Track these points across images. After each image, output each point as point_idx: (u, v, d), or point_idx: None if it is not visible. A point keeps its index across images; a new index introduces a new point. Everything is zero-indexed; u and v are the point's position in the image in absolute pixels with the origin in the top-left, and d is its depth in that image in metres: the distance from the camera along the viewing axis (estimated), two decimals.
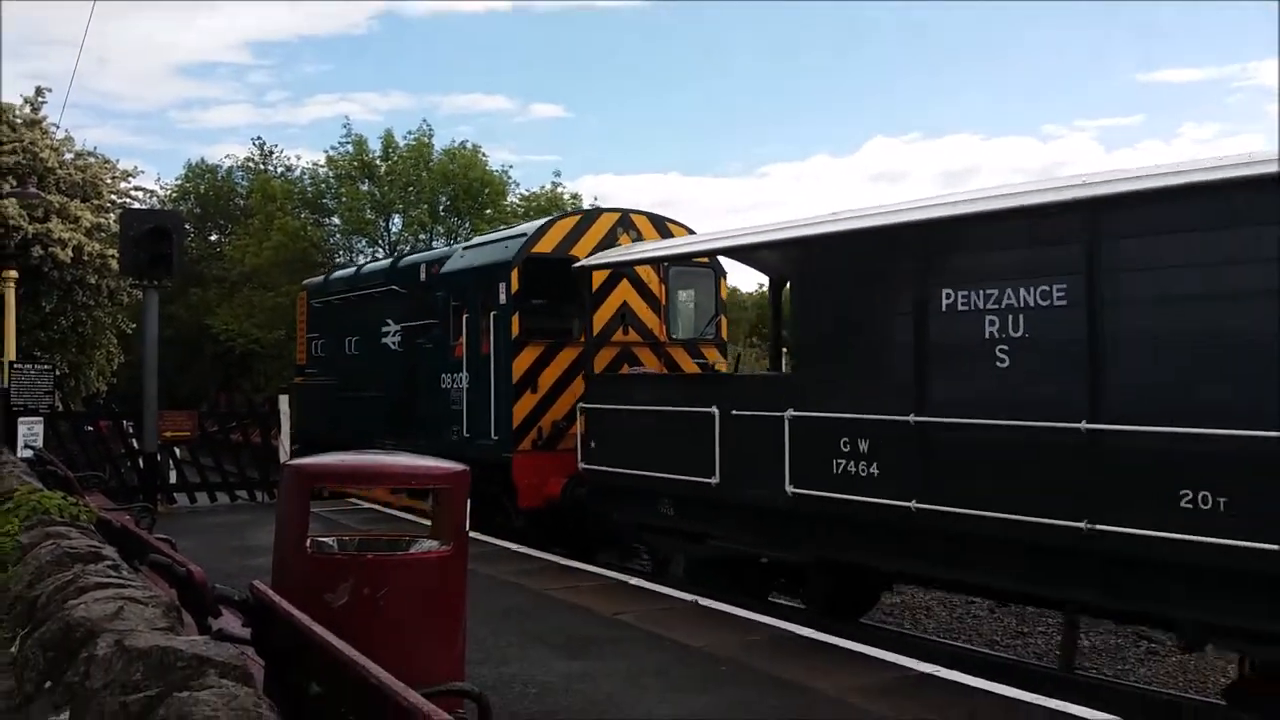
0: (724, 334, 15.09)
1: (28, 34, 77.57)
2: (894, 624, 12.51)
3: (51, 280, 22.55)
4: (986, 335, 7.88)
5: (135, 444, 16.15)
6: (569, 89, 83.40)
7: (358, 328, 18.47)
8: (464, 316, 14.47)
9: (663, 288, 14.27)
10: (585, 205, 37.35)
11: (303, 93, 77.27)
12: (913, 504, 8.29)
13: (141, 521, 7.22)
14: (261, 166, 43.47)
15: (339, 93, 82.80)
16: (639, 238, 14.16)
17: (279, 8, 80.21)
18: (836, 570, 9.70)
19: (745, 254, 11.89)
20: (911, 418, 8.32)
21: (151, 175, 72.19)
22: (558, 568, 11.01)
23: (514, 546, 12.23)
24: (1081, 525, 7.15)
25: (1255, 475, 6.33)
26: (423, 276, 16.30)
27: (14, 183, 20.82)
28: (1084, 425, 7.18)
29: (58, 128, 25.35)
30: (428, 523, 5.54)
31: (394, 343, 17.03)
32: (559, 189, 37.11)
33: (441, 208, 35.67)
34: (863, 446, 8.79)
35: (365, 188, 36.67)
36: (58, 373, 18.76)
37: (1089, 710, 6.18)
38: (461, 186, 35.22)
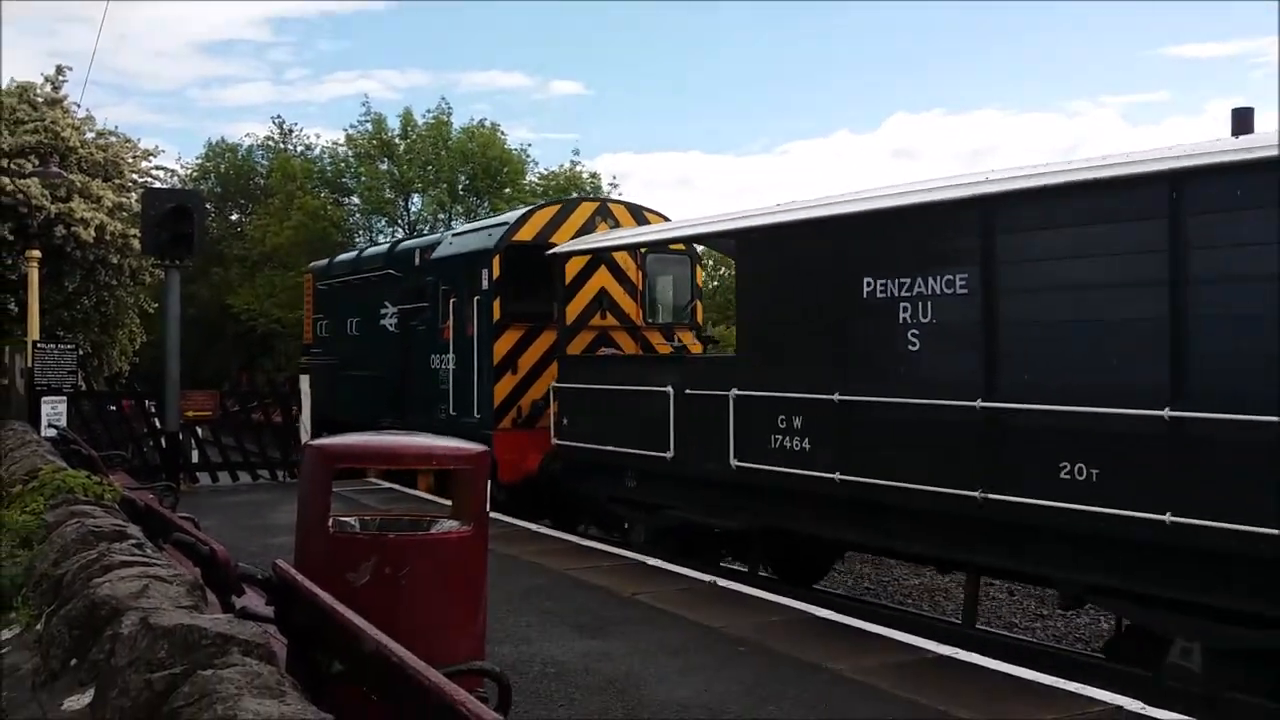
0: (699, 318, 15.78)
1: (48, 11, 77.86)
2: (913, 606, 12.55)
3: (74, 260, 22.64)
4: (900, 320, 8.59)
5: (158, 423, 16.25)
6: (588, 66, 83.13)
7: (358, 310, 19.24)
8: (451, 301, 15.24)
9: (640, 274, 14.88)
10: (604, 184, 37.38)
11: (322, 70, 77.34)
12: (837, 475, 9.03)
13: (165, 500, 7.30)
14: (281, 145, 43.50)
15: (358, 70, 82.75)
16: (616, 225, 14.82)
17: None
18: (778, 537, 10.53)
19: (702, 241, 13.02)
20: (836, 396, 9.08)
21: (172, 154, 72.72)
22: (576, 548, 11.06)
23: (533, 527, 12.33)
24: (977, 494, 7.89)
25: (1122, 449, 7.06)
26: (417, 261, 17.00)
27: (36, 162, 20.90)
28: (979, 404, 7.92)
29: (78, 106, 25.43)
30: (448, 502, 5.57)
31: (391, 325, 17.74)
32: (578, 167, 37.07)
33: (460, 187, 35.65)
34: (796, 423, 9.56)
35: (384, 167, 36.71)
36: (81, 352, 18.89)
37: (1108, 693, 6.18)
38: (480, 165, 35.18)
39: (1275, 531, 6.23)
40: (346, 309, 19.94)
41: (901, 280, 8.59)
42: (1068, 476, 7.33)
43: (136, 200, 20.90)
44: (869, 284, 8.87)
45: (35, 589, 4.36)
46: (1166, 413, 6.77)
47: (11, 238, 21.27)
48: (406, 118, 37.03)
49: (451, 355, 15.18)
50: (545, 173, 37.12)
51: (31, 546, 5.11)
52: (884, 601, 12.51)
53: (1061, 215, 7.60)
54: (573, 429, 12.66)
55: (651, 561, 10.22)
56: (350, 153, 38.18)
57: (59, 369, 15.60)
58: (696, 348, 15.12)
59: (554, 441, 12.92)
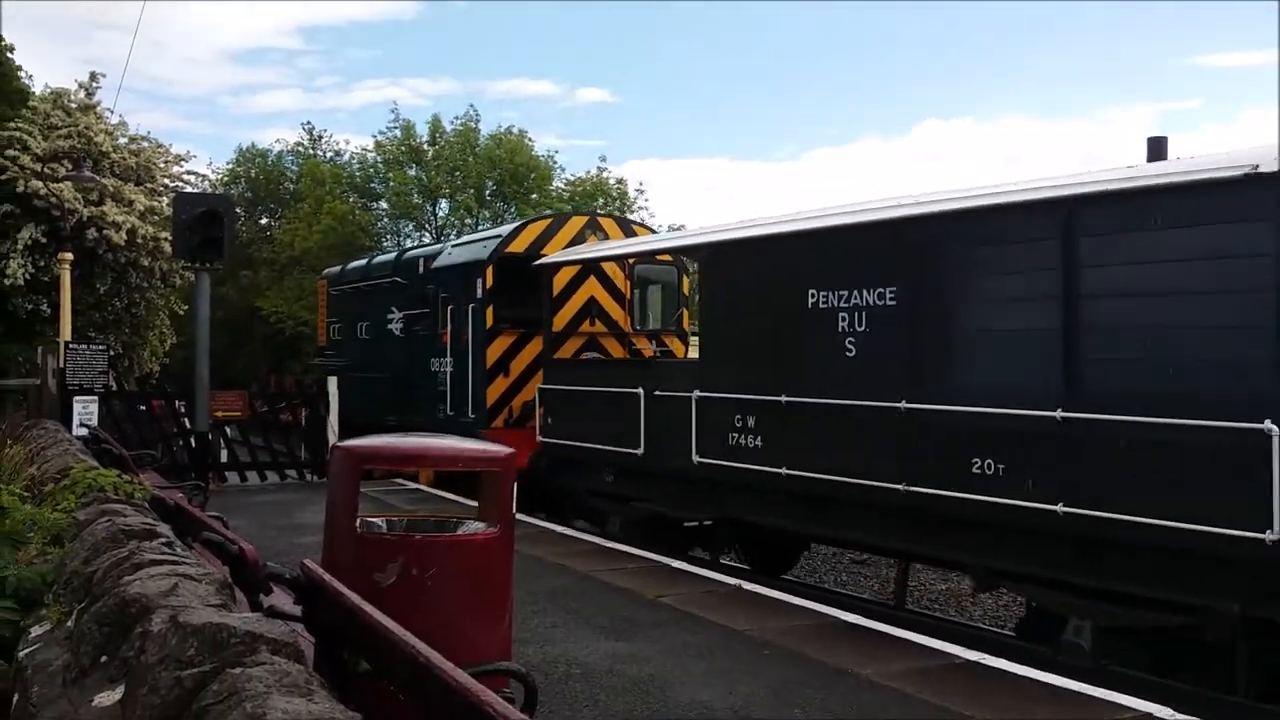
0: (685, 325, 16.35)
1: (83, 18, 78.71)
2: (939, 610, 12.51)
3: (106, 262, 22.87)
4: (839, 329, 9.39)
5: (187, 423, 16.39)
6: (615, 73, 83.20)
7: (368, 314, 20.16)
8: (449, 308, 16.13)
9: (628, 283, 15.64)
10: (630, 190, 37.45)
11: (351, 78, 77.87)
12: (784, 470, 9.78)
13: (194, 499, 7.34)
14: (311, 151, 43.79)
15: (387, 78, 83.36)
16: (606, 238, 15.68)
17: None
18: (741, 528, 11.30)
19: (670, 254, 14.25)
20: (783, 398, 9.83)
21: (203, 159, 73.15)
22: (601, 549, 11.07)
23: (559, 529, 12.40)
24: (900, 487, 8.57)
25: (1022, 446, 7.77)
26: (420, 270, 17.85)
27: (69, 166, 21.13)
28: (903, 405, 8.63)
29: (111, 112, 25.69)
30: (474, 504, 5.58)
31: (397, 329, 18.61)
32: (604, 174, 37.13)
33: (488, 192, 35.78)
34: (750, 422, 10.35)
35: (412, 172, 36.88)
36: (112, 353, 19.07)
37: (1136, 700, 6.12)
38: (507, 171, 35.30)
39: (1150, 521, 6.90)
40: (357, 314, 20.85)
41: (840, 292, 9.41)
42: (978, 471, 8.03)
43: (167, 204, 21.11)
44: (813, 295, 9.67)
45: (66, 586, 4.40)
46: (1059, 413, 7.48)
47: (45, 240, 21.52)
48: (435, 124, 37.26)
49: (449, 359, 16.07)
50: (572, 179, 37.25)
51: (63, 544, 5.15)
52: (911, 608, 12.45)
53: (975, 235, 8.47)
54: (556, 428, 13.46)
55: (676, 564, 10.22)
56: (379, 158, 38.39)
57: (90, 369, 15.76)
58: (681, 352, 15.75)
59: (539, 439, 13.57)
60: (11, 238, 21.32)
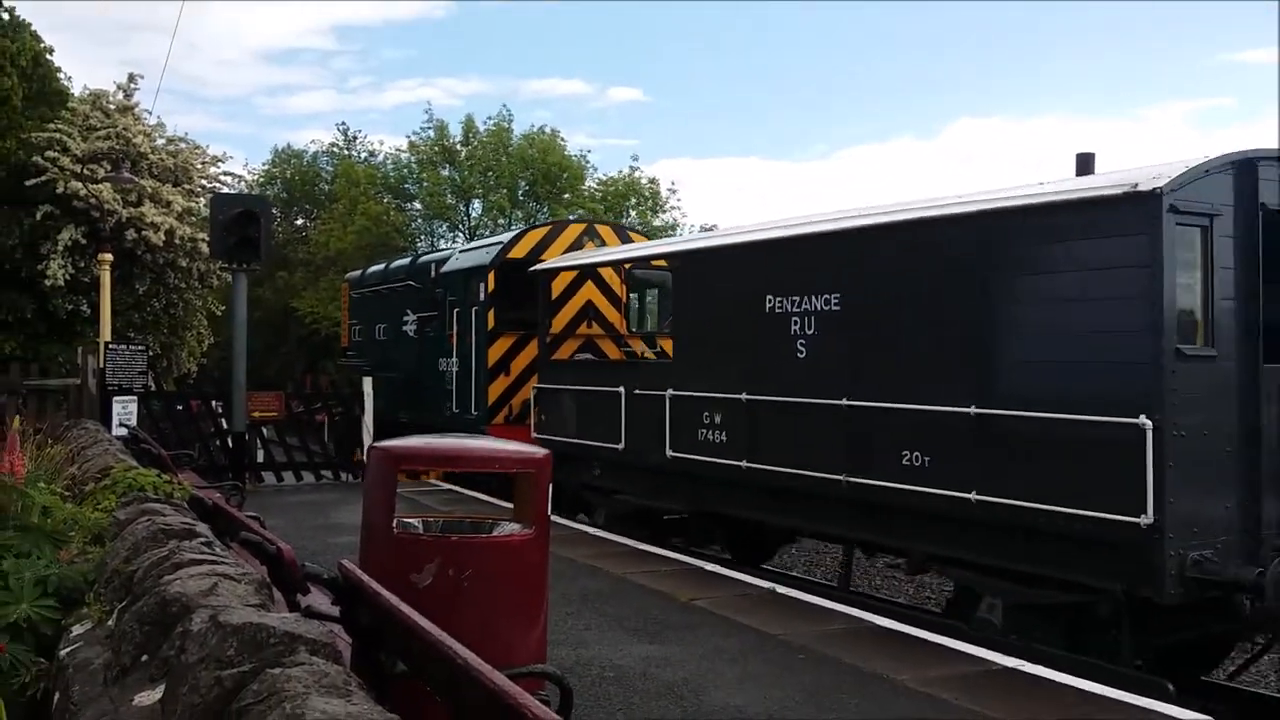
0: None
1: (117, 19, 79.66)
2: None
3: (144, 263, 23.10)
4: (792, 332, 10.20)
5: (224, 423, 16.53)
6: (647, 72, 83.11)
7: (385, 316, 21.01)
8: (455, 310, 16.89)
9: (624, 288, 16.51)
10: (663, 189, 37.46)
11: (385, 78, 78.16)
12: (744, 463, 10.65)
13: (231, 499, 7.40)
14: (345, 152, 44.08)
15: (420, 78, 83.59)
16: (603, 244, 16.41)
17: None
18: (716, 519, 11.95)
19: (648, 261, 14.72)
20: (744, 395, 10.69)
21: (239, 160, 73.87)
22: (635, 552, 11.06)
23: (593, 530, 12.41)
24: (841, 479, 9.39)
25: (945, 440, 8.56)
26: (432, 274, 18.61)
27: (108, 167, 21.36)
28: (844, 402, 9.50)
29: (149, 114, 25.94)
30: (509, 505, 5.59)
31: (411, 331, 19.44)
32: (636, 173, 37.16)
33: (520, 192, 35.87)
34: (716, 419, 11.18)
35: (446, 173, 37.03)
36: (150, 353, 19.25)
37: (1178, 709, 6.04)
38: (540, 171, 35.38)
39: (1053, 508, 7.64)
40: (376, 316, 21.71)
41: (793, 298, 10.22)
42: (908, 463, 8.83)
43: (205, 205, 21.30)
44: (770, 300, 10.50)
45: (107, 585, 4.43)
46: (973, 410, 8.26)
47: (84, 241, 21.76)
48: (468, 124, 37.40)
49: (455, 359, 16.93)
50: (604, 178, 37.28)
51: (103, 543, 5.19)
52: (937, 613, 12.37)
53: (904, 245, 9.21)
54: (548, 424, 14.38)
55: (709, 567, 10.20)
56: (413, 159, 38.57)
57: (130, 369, 15.92)
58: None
59: (533, 435, 14.19)
60: (52, 239, 21.58)
